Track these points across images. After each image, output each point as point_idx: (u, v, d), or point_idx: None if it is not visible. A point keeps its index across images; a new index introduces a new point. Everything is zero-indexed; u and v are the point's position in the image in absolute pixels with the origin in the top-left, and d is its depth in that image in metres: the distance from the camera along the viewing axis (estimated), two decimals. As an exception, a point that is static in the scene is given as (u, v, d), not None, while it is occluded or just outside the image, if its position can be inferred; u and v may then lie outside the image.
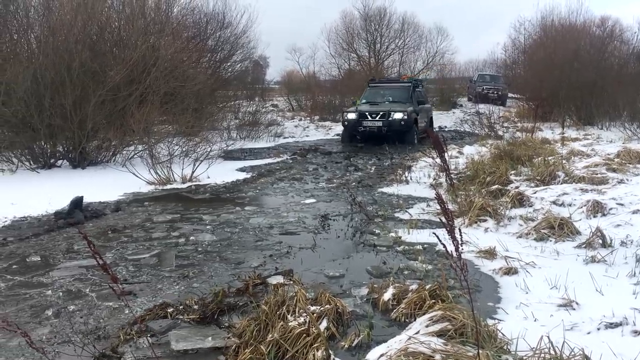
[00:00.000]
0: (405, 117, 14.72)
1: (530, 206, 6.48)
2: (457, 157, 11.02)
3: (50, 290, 4.40)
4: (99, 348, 3.37)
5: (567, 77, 18.23)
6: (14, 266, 5.07)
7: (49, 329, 3.70)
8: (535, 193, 6.95)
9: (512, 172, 8.39)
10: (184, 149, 10.60)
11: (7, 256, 5.38)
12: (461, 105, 28.93)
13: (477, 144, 12.67)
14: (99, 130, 10.91)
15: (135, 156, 11.04)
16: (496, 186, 7.28)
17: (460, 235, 2.58)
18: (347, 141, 15.96)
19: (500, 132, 14.55)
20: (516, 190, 7.00)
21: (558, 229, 5.34)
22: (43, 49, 10.59)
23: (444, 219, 2.90)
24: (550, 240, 5.24)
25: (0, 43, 11.49)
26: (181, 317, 3.82)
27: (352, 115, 15.31)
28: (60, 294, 4.34)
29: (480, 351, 2.84)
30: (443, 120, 21.82)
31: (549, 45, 21.30)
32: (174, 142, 10.82)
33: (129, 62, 11.14)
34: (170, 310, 3.90)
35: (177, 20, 16.44)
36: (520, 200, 6.63)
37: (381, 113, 14.87)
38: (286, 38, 52.60)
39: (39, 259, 5.28)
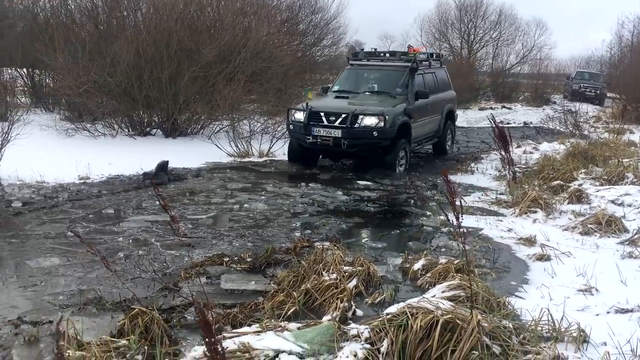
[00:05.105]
0: (382, 124, 8.52)
1: (588, 203, 6.52)
2: (531, 153, 10.96)
3: (121, 238, 5.15)
4: (164, 282, 4.03)
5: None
6: (90, 215, 5.90)
7: (121, 267, 4.40)
8: (597, 192, 6.95)
9: (583, 170, 8.32)
10: (264, 126, 11.28)
11: (86, 207, 6.22)
12: (554, 103, 27.83)
13: (556, 142, 12.43)
14: (190, 104, 11.80)
15: (220, 131, 11.85)
16: (557, 182, 7.33)
17: (461, 206, 2.94)
18: (296, 157, 9.60)
19: (586, 132, 14.11)
20: (577, 187, 7.03)
21: (605, 225, 5.44)
22: (147, 26, 11.61)
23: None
24: (595, 235, 5.35)
25: (111, 19, 12.68)
26: (234, 266, 4.41)
27: (299, 115, 9.13)
28: (130, 241, 5.08)
29: (482, 315, 3.18)
30: (530, 116, 21.24)
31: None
32: (255, 119, 11.52)
33: (222, 41, 11.94)
34: (226, 259, 4.52)
35: (271, 3, 17.22)
36: (579, 197, 6.67)
37: (343, 115, 8.66)
38: (377, 25, 52.25)
39: (112, 211, 6.11)
